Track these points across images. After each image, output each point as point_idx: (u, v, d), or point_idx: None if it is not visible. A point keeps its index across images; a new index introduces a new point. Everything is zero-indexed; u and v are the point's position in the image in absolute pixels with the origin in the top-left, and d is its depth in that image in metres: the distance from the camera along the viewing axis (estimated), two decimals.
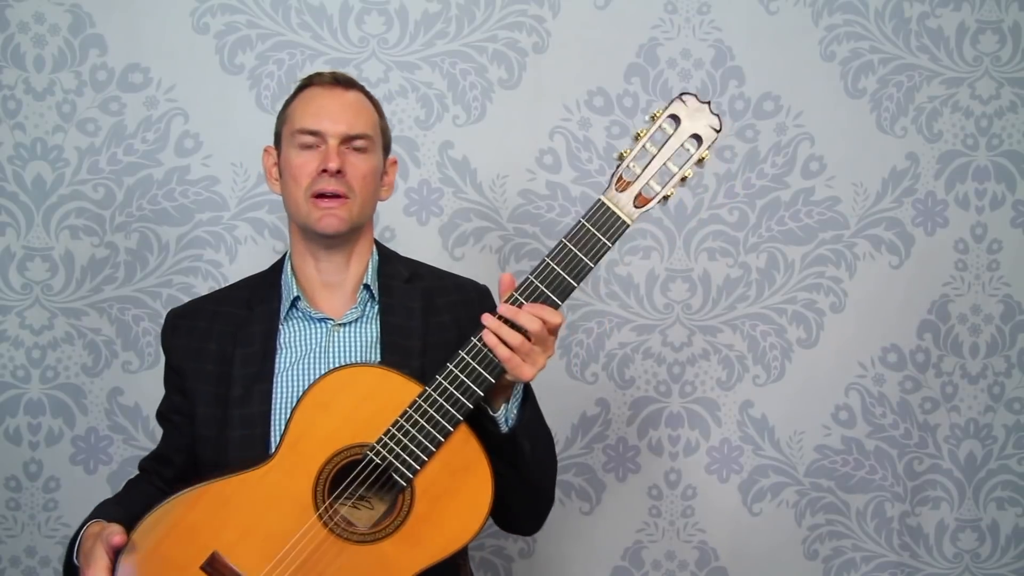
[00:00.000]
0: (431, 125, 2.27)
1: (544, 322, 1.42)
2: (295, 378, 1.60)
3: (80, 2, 2.18)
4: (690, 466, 2.39)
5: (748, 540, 2.40)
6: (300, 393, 1.57)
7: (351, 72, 2.14)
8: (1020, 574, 2.49)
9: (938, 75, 2.38)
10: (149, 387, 2.20)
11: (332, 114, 1.61)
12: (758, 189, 2.36)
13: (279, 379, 1.60)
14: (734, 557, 2.40)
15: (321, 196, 1.58)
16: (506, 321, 1.43)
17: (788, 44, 2.33)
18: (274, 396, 1.59)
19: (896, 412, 2.42)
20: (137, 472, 1.74)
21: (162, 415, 1.72)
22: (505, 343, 1.42)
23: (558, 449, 2.33)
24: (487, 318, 1.43)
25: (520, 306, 1.43)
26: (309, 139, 1.60)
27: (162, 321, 2.21)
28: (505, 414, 1.51)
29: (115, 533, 1.40)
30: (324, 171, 1.58)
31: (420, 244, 2.24)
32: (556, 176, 2.31)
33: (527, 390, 1.56)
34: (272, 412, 1.58)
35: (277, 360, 1.61)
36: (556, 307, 1.45)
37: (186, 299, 2.16)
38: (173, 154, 2.22)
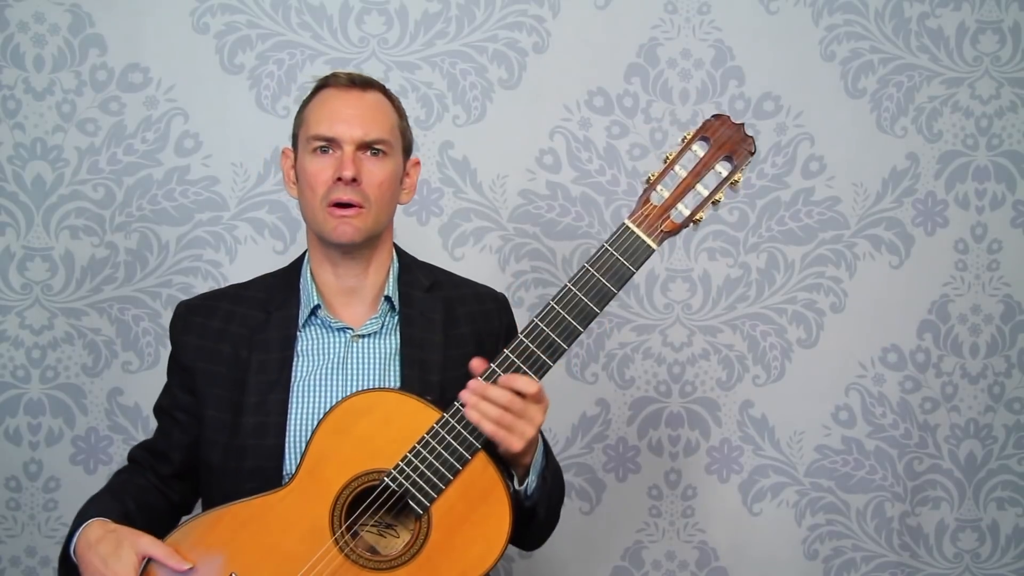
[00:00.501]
0: (431, 125, 2.27)
1: (517, 393, 1.41)
2: (313, 389, 1.58)
3: (80, 2, 2.18)
4: (690, 466, 2.39)
5: (748, 540, 2.40)
6: (317, 406, 1.56)
7: None
8: (1020, 574, 2.49)
9: (938, 75, 2.38)
10: (149, 387, 2.20)
11: (348, 119, 1.56)
12: (758, 189, 2.36)
13: (296, 389, 1.57)
14: (734, 557, 2.40)
15: (337, 205, 1.55)
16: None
17: (788, 44, 2.33)
18: (291, 407, 1.56)
19: (896, 412, 2.42)
20: (127, 462, 1.70)
21: (163, 410, 1.67)
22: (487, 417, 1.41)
23: (558, 449, 2.34)
24: (464, 395, 1.41)
25: (518, 360, 1.42)
26: (324, 145, 1.57)
27: (162, 321, 2.22)
28: (527, 487, 1.50)
29: (156, 549, 1.41)
30: (339, 179, 1.54)
31: (420, 244, 2.24)
32: (556, 176, 2.31)
33: (546, 449, 1.56)
34: (288, 423, 1.56)
35: (294, 369, 1.58)
36: (575, 336, 1.42)
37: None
38: (173, 154, 2.22)
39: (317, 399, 1.57)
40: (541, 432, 1.53)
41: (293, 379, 1.58)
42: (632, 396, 2.37)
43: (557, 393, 2.30)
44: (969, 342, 2.44)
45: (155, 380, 2.13)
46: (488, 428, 1.41)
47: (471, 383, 1.42)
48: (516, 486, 1.50)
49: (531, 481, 1.51)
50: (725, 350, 2.37)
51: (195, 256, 2.24)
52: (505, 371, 1.42)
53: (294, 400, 1.57)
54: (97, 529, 1.45)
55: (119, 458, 2.24)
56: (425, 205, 2.28)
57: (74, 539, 1.46)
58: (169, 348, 1.68)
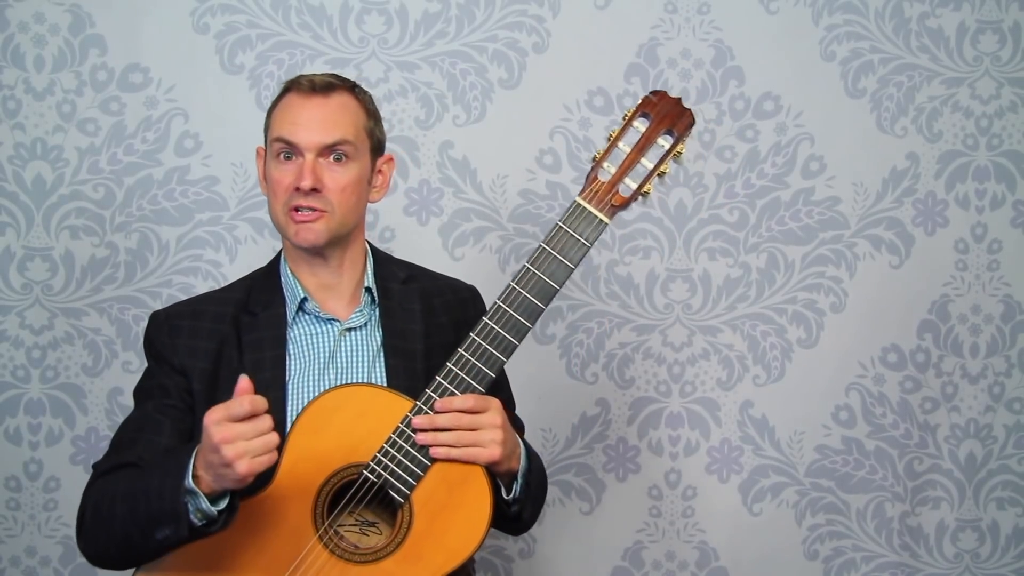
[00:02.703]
0: (431, 125, 2.27)
1: (460, 411, 1.44)
2: (307, 385, 1.58)
3: (80, 2, 2.18)
4: (690, 466, 2.39)
5: (748, 540, 2.40)
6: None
7: (350, 72, 2.15)
8: (1020, 574, 2.49)
9: (938, 75, 2.38)
10: None
11: (307, 125, 1.55)
12: (758, 189, 2.36)
13: (291, 386, 1.57)
14: (734, 557, 2.40)
15: (296, 210, 1.55)
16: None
17: (788, 44, 2.33)
18: (288, 404, 1.56)
19: (896, 412, 2.42)
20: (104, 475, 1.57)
21: (157, 412, 1.58)
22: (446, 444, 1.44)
23: (558, 449, 2.34)
24: (421, 437, 1.44)
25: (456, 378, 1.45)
26: (287, 150, 1.56)
27: None
28: (513, 493, 1.52)
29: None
30: (298, 188, 1.54)
31: (420, 244, 2.24)
32: (556, 176, 2.31)
33: (528, 451, 1.57)
34: (287, 421, 1.55)
35: (288, 366, 1.58)
36: (538, 313, 1.45)
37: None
38: (173, 154, 2.22)
39: (312, 395, 1.56)
40: (523, 439, 1.55)
41: (288, 376, 1.58)
42: (632, 396, 2.37)
43: (557, 393, 2.31)
44: (969, 342, 2.44)
45: None
46: (458, 454, 1.44)
47: (415, 420, 1.44)
48: (504, 495, 1.51)
49: (517, 486, 1.53)
50: (725, 350, 2.37)
51: (195, 256, 2.24)
52: (473, 353, 1.46)
53: (290, 398, 1.57)
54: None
55: None
56: (425, 205, 2.28)
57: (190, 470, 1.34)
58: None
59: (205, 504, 1.33)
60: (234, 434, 1.29)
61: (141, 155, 2.21)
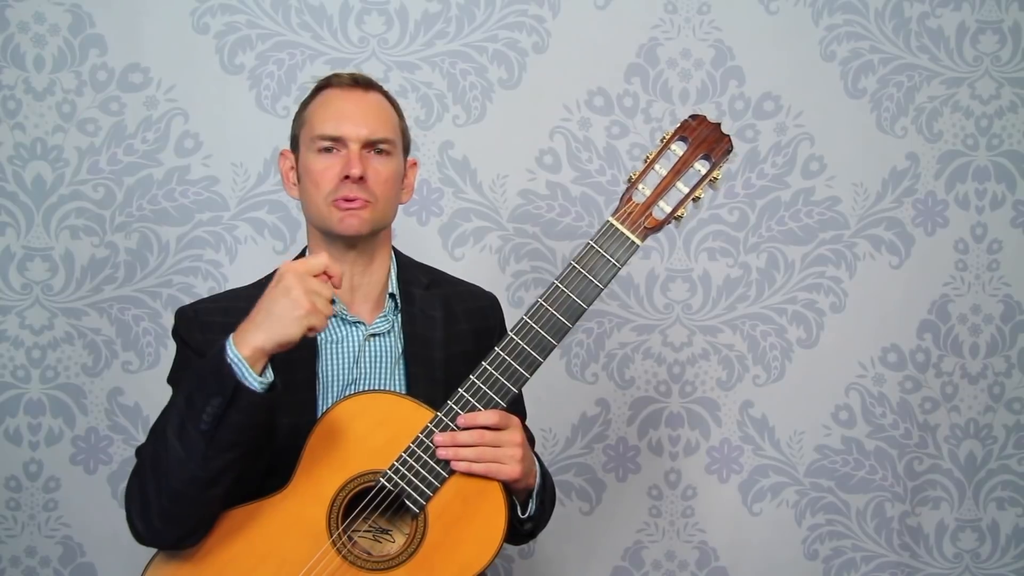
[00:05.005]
0: (431, 125, 2.27)
1: (485, 428, 1.44)
2: (331, 390, 1.57)
3: (80, 2, 2.18)
4: (690, 466, 2.39)
5: (748, 540, 2.40)
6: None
7: None
8: (1020, 574, 2.49)
9: (938, 75, 2.38)
10: (149, 387, 2.20)
11: (353, 118, 1.57)
12: (758, 189, 2.36)
13: (321, 387, 1.56)
14: (734, 557, 2.40)
15: (343, 199, 1.55)
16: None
17: (788, 44, 2.33)
18: (318, 406, 1.55)
19: (896, 412, 2.42)
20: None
21: None
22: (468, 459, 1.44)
23: (558, 449, 2.34)
24: (442, 452, 1.43)
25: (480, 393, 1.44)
26: (330, 144, 1.57)
27: (162, 321, 2.22)
28: (528, 512, 1.53)
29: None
30: (346, 177, 1.54)
31: (420, 244, 2.24)
32: (556, 176, 2.31)
33: (542, 469, 1.57)
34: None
35: (318, 367, 1.57)
36: (565, 332, 1.44)
37: (187, 299, 2.16)
38: (173, 154, 2.22)
39: (337, 400, 1.54)
40: (536, 454, 1.55)
41: (318, 377, 1.57)
42: (632, 396, 2.37)
43: (557, 393, 2.31)
44: (969, 342, 2.44)
45: (155, 380, 2.13)
46: (479, 469, 1.43)
47: (436, 438, 1.43)
48: (520, 514, 1.52)
49: (532, 506, 1.53)
50: (725, 350, 2.37)
51: (195, 256, 2.24)
52: (497, 367, 1.45)
53: (320, 399, 1.56)
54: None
55: (119, 458, 2.24)
56: (425, 205, 2.28)
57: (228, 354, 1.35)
58: (172, 353, 1.62)
59: (247, 371, 1.34)
60: (314, 287, 1.35)
61: (141, 155, 2.21)
